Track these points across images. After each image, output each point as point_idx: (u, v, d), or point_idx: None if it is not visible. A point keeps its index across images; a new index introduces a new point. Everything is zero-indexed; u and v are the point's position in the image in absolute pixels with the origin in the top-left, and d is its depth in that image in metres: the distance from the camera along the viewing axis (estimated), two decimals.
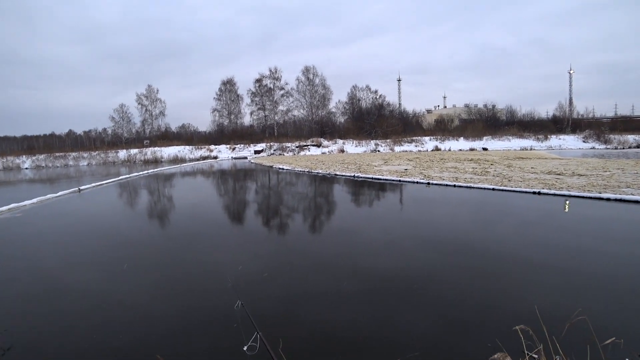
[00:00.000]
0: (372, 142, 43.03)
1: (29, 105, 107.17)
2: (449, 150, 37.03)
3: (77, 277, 4.96)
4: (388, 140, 43.60)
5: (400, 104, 67.92)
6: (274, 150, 44.74)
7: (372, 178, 14.28)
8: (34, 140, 79.50)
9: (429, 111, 73.24)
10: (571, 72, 61.77)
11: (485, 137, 42.63)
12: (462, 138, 42.83)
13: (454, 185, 11.22)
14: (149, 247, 6.34)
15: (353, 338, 3.04)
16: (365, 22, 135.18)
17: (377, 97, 61.06)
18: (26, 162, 49.88)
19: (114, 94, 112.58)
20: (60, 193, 13.70)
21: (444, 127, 55.73)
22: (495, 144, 39.59)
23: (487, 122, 54.14)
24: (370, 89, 61.82)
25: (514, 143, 39.91)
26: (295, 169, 20.68)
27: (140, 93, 62.27)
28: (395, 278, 4.25)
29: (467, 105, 66.92)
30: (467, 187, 10.87)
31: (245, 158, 40.17)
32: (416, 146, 40.36)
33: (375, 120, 51.65)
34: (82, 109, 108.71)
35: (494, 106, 61.95)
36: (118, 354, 2.90)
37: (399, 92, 70.65)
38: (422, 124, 61.46)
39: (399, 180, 13.03)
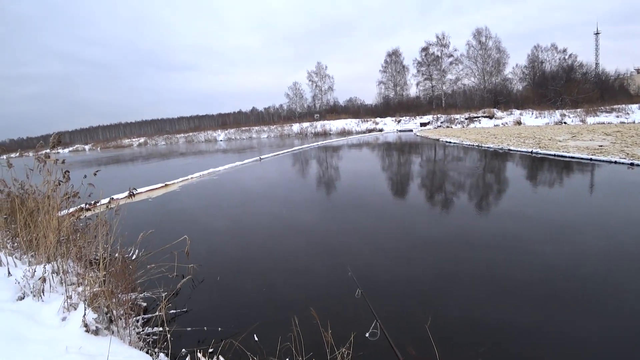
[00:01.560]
0: (557, 112, 37.32)
1: (223, 88, 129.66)
2: None
3: (251, 226, 6.41)
4: (578, 109, 37.05)
5: (597, 63, 55.85)
6: (441, 122, 43.07)
7: (554, 155, 12.60)
8: (226, 117, 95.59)
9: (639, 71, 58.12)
10: None
11: None
12: None
13: None
14: (306, 210, 7.31)
15: (498, 336, 2.87)
16: None
17: (566, 57, 51.98)
18: (220, 135, 60.20)
19: (288, 73, 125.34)
20: (245, 161, 17.17)
21: None
22: None
23: None
24: (556, 48, 53.01)
25: None
26: (464, 142, 19.68)
27: (311, 70, 67.20)
28: (565, 278, 3.79)
29: None
30: None
31: (411, 131, 39.84)
32: (618, 117, 32.88)
33: (563, 86, 44.49)
34: (263, 88, 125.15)
35: None
36: (281, 300, 3.51)
37: (596, 49, 58.03)
38: (628, 88, 49.49)
39: (590, 159, 11.15)
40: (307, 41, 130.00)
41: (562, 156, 12.24)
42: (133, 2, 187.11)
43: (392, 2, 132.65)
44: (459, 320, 3.07)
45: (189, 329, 3.05)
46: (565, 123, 33.51)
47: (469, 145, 18.61)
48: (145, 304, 3.42)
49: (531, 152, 13.81)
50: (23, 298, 2.64)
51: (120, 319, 2.67)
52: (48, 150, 3.85)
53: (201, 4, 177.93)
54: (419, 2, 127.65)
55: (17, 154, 4.70)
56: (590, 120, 33.30)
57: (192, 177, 12.82)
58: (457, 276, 3.91)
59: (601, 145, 13.90)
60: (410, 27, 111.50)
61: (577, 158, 11.59)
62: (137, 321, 2.96)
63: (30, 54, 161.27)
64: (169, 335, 2.70)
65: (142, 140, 73.52)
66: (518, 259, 4.23)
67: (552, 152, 12.90)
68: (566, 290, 3.46)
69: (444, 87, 58.61)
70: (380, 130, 45.66)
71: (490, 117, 40.89)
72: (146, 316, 3.15)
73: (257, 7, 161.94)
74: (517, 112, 41.11)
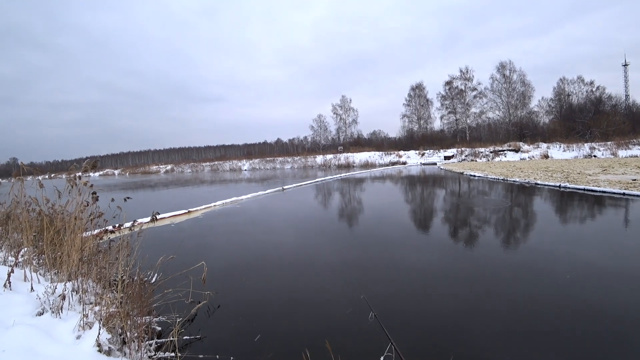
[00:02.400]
0: (586, 145, 36.42)
1: (249, 119, 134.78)
2: None
3: (272, 253, 6.35)
4: (609, 142, 36.10)
5: (627, 95, 55.01)
6: (466, 155, 42.66)
7: (583, 189, 12.20)
8: (251, 147, 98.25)
9: None
10: None
11: None
12: None
13: None
14: (327, 242, 7.09)
15: None
16: (566, 3, 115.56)
17: (593, 89, 51.34)
18: (245, 164, 61.36)
19: (313, 105, 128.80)
20: (268, 191, 17.36)
21: None
22: None
23: None
24: (583, 80, 52.59)
25: None
26: (489, 176, 19.36)
27: (335, 103, 68.64)
28: (596, 322, 3.58)
29: None
30: None
31: (435, 164, 39.55)
32: None
33: (591, 119, 43.66)
34: (288, 120, 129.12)
35: None
36: (296, 332, 3.39)
37: (625, 81, 57.22)
38: None
39: (623, 194, 10.73)
40: (332, 75, 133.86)
41: (592, 190, 11.83)
42: (168, 37, 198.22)
43: (414, 39, 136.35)
44: None
45: (201, 356, 3.00)
46: (595, 156, 32.61)
47: (494, 179, 18.27)
48: (159, 328, 3.40)
49: (559, 186, 13.42)
50: (42, 313, 2.68)
51: (134, 341, 2.66)
52: (80, 173, 4.01)
53: (231, 41, 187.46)
54: (441, 38, 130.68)
55: (52, 175, 4.91)
56: (622, 153, 32.29)
57: (214, 205, 12.98)
58: (480, 315, 3.74)
59: (635, 179, 13.39)
60: (433, 62, 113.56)
61: (609, 192, 11.18)
62: (150, 345, 2.94)
63: (73, 83, 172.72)
64: None
65: (169, 167, 75.68)
66: (546, 300, 4.03)
67: (582, 187, 12.49)
68: (597, 336, 3.26)
69: (468, 121, 58.44)
70: (404, 163, 45.49)
71: (516, 150, 40.24)
72: (159, 341, 3.13)
73: (285, 44, 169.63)
74: (544, 145, 40.34)
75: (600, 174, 16.58)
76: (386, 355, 2.66)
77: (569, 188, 12.85)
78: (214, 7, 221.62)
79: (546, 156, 36.12)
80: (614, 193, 11.00)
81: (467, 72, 56.95)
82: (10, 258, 3.98)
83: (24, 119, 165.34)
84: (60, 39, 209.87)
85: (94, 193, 4.01)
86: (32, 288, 3.01)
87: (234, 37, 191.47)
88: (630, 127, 41.08)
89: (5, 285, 2.92)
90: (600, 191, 11.53)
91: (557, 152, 36.93)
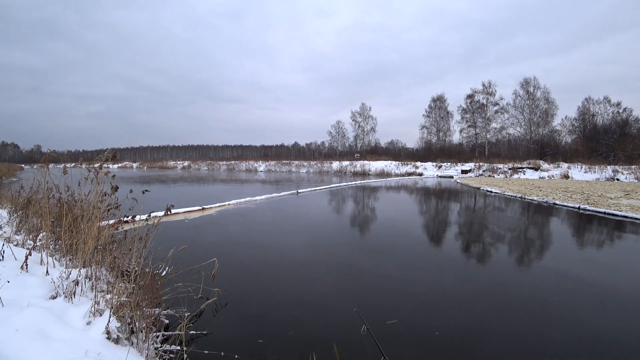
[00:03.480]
0: (609, 168, 35.47)
1: (268, 121, 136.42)
2: None
3: (282, 255, 6.48)
4: (633, 166, 35.06)
5: None
6: (483, 171, 42.08)
7: (604, 213, 11.87)
8: (268, 149, 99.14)
9: None
10: None
11: None
12: None
13: None
14: (337, 248, 7.05)
15: None
16: (591, 22, 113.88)
17: (620, 111, 50.04)
18: (261, 166, 61.68)
19: (331, 111, 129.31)
20: (282, 193, 17.58)
21: None
22: None
23: None
24: (609, 101, 51.29)
25: None
26: (506, 193, 19.05)
27: (355, 110, 68.40)
28: (608, 348, 3.48)
29: None
30: None
31: (451, 177, 39.14)
32: None
33: (616, 141, 42.54)
34: (306, 125, 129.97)
35: None
36: (301, 336, 3.37)
37: None
38: None
39: None
40: (352, 83, 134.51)
41: (613, 214, 11.51)
42: (193, 38, 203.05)
43: (436, 51, 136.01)
44: None
45: (206, 351, 3.02)
46: (617, 180, 31.73)
47: (511, 196, 17.97)
48: (167, 321, 3.44)
49: (578, 207, 13.10)
50: (55, 297, 2.74)
51: (142, 331, 2.69)
52: (101, 163, 4.09)
53: (254, 44, 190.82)
54: (463, 52, 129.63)
55: (73, 164, 5.03)
56: None
57: (229, 204, 13.11)
58: (481, 337, 3.67)
59: None
60: (454, 75, 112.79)
61: (631, 218, 10.86)
62: (157, 337, 2.97)
63: (99, 77, 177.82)
64: (185, 355, 2.70)
65: (186, 163, 76.71)
66: (556, 324, 3.94)
67: (603, 210, 12.16)
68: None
69: (488, 136, 57.61)
70: (420, 174, 45.08)
71: (536, 168, 39.50)
72: (166, 333, 3.16)
73: (307, 50, 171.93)
74: (564, 165, 39.51)
75: (622, 198, 16.13)
76: None
77: (588, 210, 12.54)
78: (239, 11, 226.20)
79: (566, 176, 35.32)
80: (637, 219, 10.68)
81: (489, 86, 56.26)
82: (28, 241, 4.08)
83: (49, 109, 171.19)
84: (91, 34, 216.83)
85: (115, 186, 4.09)
86: (47, 272, 3.08)
87: (257, 41, 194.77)
88: None
89: (22, 267, 3.00)
90: (621, 216, 11.22)
91: (578, 172, 36.09)
